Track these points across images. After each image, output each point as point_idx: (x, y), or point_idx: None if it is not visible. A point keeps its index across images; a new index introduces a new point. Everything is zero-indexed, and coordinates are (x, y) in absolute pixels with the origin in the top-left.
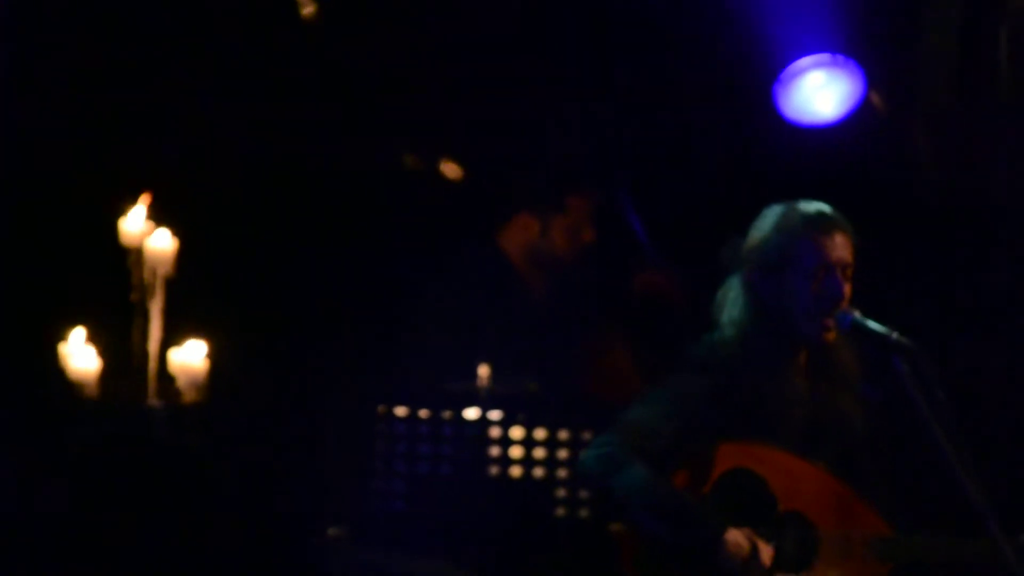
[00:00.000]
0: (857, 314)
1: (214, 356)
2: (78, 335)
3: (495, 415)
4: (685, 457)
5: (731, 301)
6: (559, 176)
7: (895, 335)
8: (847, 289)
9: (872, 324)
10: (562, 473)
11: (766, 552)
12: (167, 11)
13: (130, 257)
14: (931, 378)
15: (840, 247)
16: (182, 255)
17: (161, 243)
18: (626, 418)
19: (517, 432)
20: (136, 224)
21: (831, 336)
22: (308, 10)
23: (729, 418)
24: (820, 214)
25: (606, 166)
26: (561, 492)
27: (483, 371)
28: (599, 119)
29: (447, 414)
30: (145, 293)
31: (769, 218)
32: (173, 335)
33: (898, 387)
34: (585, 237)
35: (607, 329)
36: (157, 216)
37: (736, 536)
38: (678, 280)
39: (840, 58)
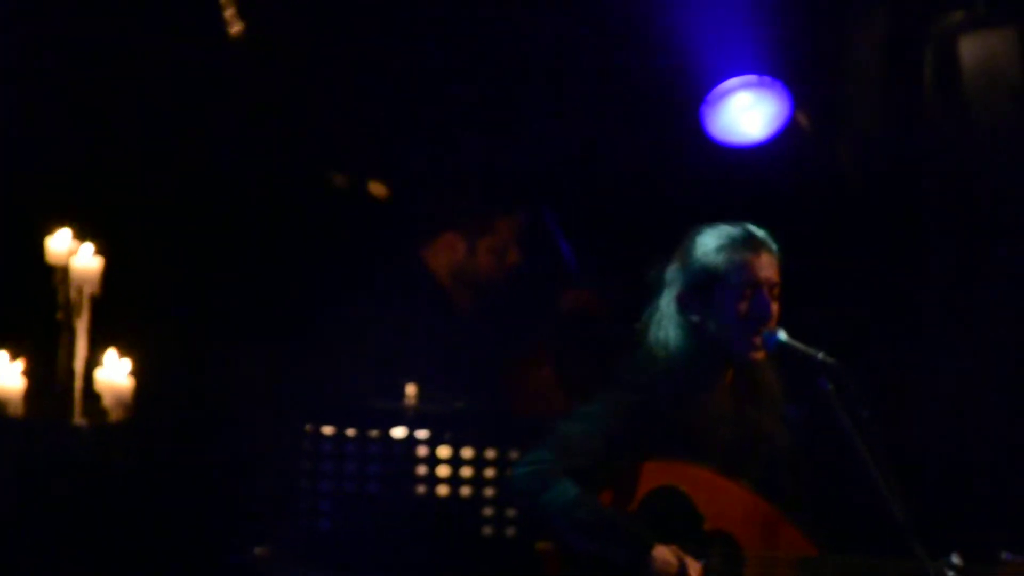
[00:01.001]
0: (783, 334)
1: (139, 374)
2: (3, 354)
3: (422, 434)
4: (611, 475)
5: (658, 322)
6: (487, 197)
7: (821, 355)
8: (775, 308)
9: (798, 344)
10: (489, 492)
11: (694, 568)
12: (91, 25)
13: (56, 275)
14: (856, 397)
15: (767, 267)
16: (108, 273)
17: (87, 261)
18: (554, 436)
19: (444, 451)
20: (62, 243)
21: (759, 355)
22: (236, 29)
23: (656, 436)
24: (746, 234)
25: (533, 187)
26: (488, 511)
27: (410, 390)
28: (527, 140)
29: (374, 433)
30: (71, 311)
31: (696, 239)
32: (98, 353)
33: (824, 406)
34: (511, 258)
35: (533, 347)
36: (83, 234)
37: (664, 552)
38: (604, 298)
39: (767, 79)
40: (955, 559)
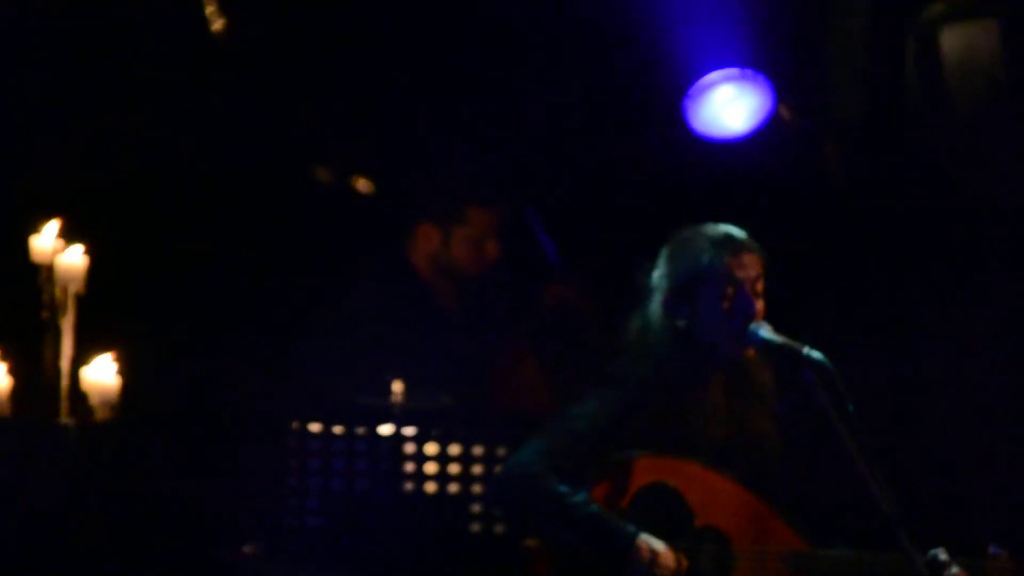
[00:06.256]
0: (766, 329)
1: (126, 373)
2: None
3: (409, 431)
4: (603, 471)
5: (645, 328)
6: (457, 187)
7: (805, 349)
8: (759, 305)
9: (782, 339)
10: (477, 488)
11: (678, 558)
12: (75, 22)
13: (41, 274)
14: (841, 391)
15: (749, 265)
16: (93, 272)
17: (72, 260)
18: (542, 435)
19: (432, 448)
20: (47, 241)
21: (749, 353)
22: (218, 25)
23: (646, 435)
24: (727, 236)
25: (511, 180)
26: (476, 507)
27: (397, 387)
28: (505, 133)
29: (361, 430)
30: (56, 310)
31: (678, 244)
32: (85, 352)
33: (808, 400)
34: (489, 250)
35: (517, 342)
36: (68, 233)
37: (648, 541)
38: (587, 293)
39: (749, 72)
40: (941, 554)
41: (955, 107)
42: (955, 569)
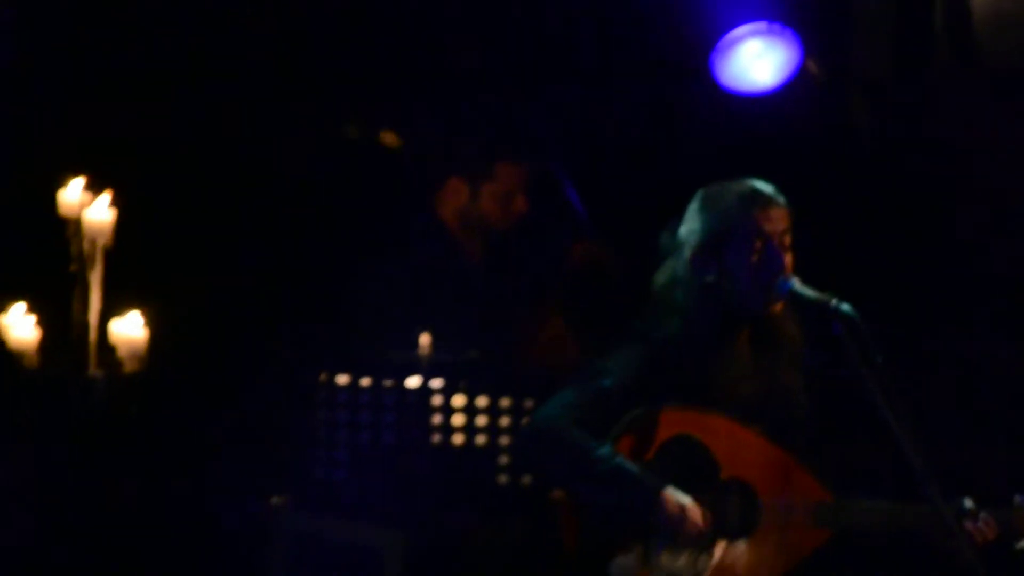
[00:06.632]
0: (796, 282)
1: (154, 326)
2: (18, 306)
3: (437, 383)
4: (628, 424)
5: (671, 284)
6: (486, 142)
7: (834, 301)
8: (787, 258)
9: (811, 291)
10: (504, 440)
11: (702, 511)
12: None
13: (69, 228)
14: (869, 343)
15: (776, 219)
16: (121, 225)
17: (100, 214)
18: (567, 389)
19: (459, 400)
20: (75, 195)
21: (776, 308)
22: None
23: (673, 389)
24: (755, 190)
25: (540, 137)
26: (503, 459)
27: (424, 339)
28: (534, 89)
29: (389, 383)
30: (84, 264)
31: (705, 199)
32: (113, 305)
33: (837, 353)
34: (517, 206)
35: (544, 298)
36: (96, 187)
37: (674, 494)
38: (614, 249)
39: (776, 26)
40: (967, 503)
41: (984, 62)
42: (982, 519)
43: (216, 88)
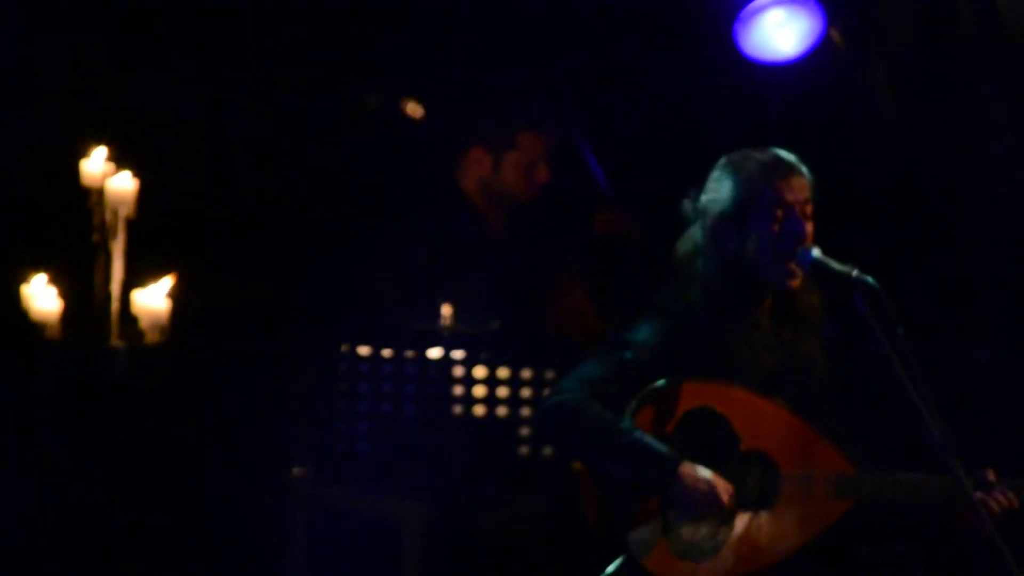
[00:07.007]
0: (818, 252)
1: (176, 297)
2: (40, 277)
3: (458, 354)
4: (649, 396)
5: (693, 253)
6: (508, 112)
7: (856, 273)
8: (808, 227)
9: (833, 262)
10: (525, 412)
11: (722, 484)
12: None
13: (91, 198)
14: (891, 315)
15: (798, 189)
16: (143, 195)
17: (122, 184)
18: (588, 361)
19: (480, 371)
20: (97, 165)
21: (796, 282)
22: None
23: (694, 361)
24: (775, 158)
25: (561, 106)
26: (524, 430)
27: (446, 310)
28: (556, 58)
29: (410, 353)
30: (107, 234)
31: (726, 168)
32: (135, 276)
33: (859, 325)
34: (539, 175)
35: (566, 268)
36: (118, 157)
37: (693, 468)
38: (636, 219)
39: None
40: (988, 476)
41: (1008, 31)
42: (1002, 490)
43: (239, 59)
